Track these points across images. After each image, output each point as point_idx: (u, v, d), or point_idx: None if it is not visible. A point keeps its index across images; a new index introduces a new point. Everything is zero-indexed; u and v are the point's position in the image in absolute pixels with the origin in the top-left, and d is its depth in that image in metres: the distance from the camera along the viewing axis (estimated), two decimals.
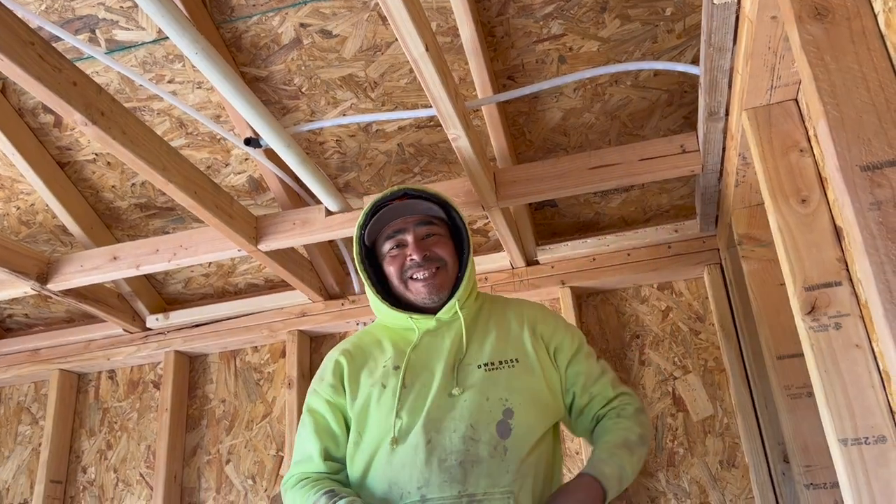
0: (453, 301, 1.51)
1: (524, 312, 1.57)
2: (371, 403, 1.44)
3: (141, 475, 2.60)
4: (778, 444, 1.85)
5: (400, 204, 1.55)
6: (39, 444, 2.73)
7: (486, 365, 1.44)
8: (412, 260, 1.50)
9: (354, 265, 1.63)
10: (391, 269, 1.54)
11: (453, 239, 1.59)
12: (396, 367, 1.46)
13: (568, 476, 2.10)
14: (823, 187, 1.30)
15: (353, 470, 1.43)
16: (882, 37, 0.92)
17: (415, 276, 1.51)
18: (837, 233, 1.26)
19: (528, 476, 1.34)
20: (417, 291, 1.51)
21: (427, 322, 1.51)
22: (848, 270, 1.23)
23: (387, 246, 1.56)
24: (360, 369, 1.51)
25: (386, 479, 1.36)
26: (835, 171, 0.88)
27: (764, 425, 1.95)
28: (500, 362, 1.45)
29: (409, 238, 1.53)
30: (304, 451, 1.48)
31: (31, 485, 2.69)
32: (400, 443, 1.37)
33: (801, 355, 1.66)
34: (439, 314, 1.51)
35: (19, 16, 1.35)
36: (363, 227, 1.56)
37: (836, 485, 1.54)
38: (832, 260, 1.24)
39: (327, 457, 1.46)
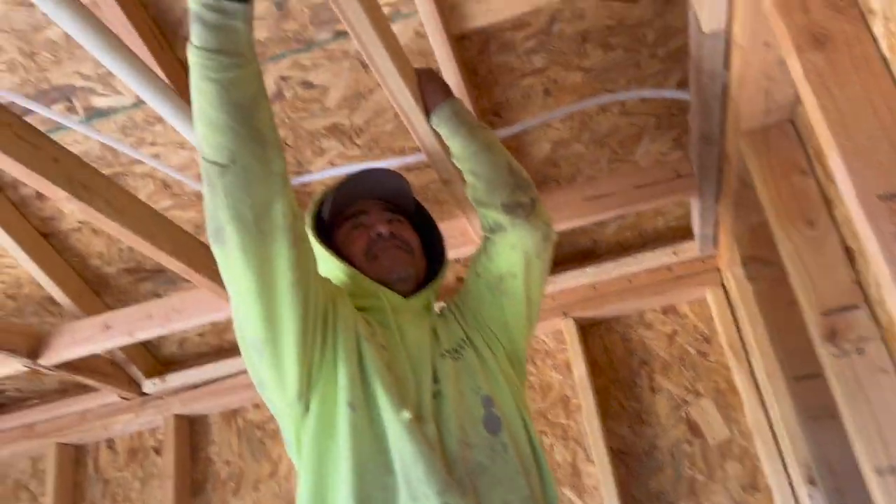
0: (428, 290, 1.34)
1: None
2: (373, 353, 1.16)
3: None
4: (800, 465, 1.80)
5: (367, 177, 1.37)
6: None
7: (449, 352, 1.25)
8: (379, 234, 1.31)
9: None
10: (355, 249, 1.32)
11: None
12: (383, 346, 1.21)
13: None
14: (829, 208, 1.28)
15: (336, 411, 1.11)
16: (885, 61, 0.90)
17: (383, 250, 1.31)
18: (849, 254, 1.23)
19: (532, 468, 1.16)
20: (384, 265, 1.30)
21: (396, 299, 1.29)
22: (864, 292, 1.20)
23: (346, 227, 1.36)
24: (354, 310, 1.25)
25: (391, 458, 1.08)
26: (853, 202, 0.85)
27: (784, 447, 1.91)
28: (460, 345, 1.28)
29: (373, 218, 1.34)
30: None
31: None
32: (414, 427, 1.09)
33: (819, 376, 1.63)
34: (412, 298, 1.31)
35: None
36: (320, 203, 1.37)
37: None
38: (847, 282, 1.22)
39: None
